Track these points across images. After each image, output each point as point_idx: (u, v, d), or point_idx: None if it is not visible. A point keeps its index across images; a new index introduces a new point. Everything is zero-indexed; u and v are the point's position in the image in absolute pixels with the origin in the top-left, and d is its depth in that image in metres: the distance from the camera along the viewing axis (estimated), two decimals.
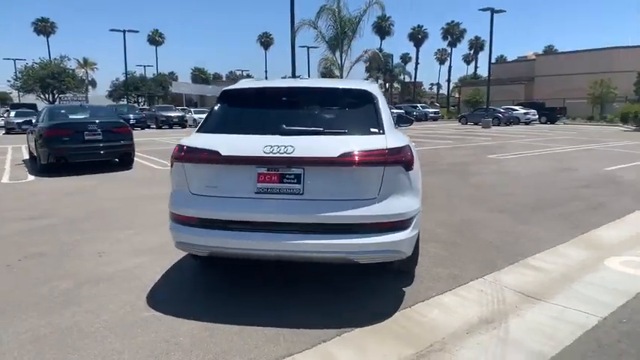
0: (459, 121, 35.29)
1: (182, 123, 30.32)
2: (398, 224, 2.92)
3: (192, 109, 35.08)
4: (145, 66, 63.72)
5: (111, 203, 6.52)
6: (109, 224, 5.34)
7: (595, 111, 35.85)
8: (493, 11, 26.13)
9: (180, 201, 3.12)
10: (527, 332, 2.81)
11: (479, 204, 6.48)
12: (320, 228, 2.85)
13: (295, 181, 2.88)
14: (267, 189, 2.91)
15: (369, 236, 2.85)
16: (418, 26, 73.12)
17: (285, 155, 2.85)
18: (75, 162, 9.42)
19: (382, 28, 64.95)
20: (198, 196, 3.04)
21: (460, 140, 18.72)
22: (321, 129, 3.02)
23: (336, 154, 2.83)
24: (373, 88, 3.45)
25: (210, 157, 2.96)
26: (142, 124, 28.16)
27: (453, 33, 74.52)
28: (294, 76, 20.25)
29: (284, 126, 3.01)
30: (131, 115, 26.82)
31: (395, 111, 29.76)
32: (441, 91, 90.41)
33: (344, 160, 2.83)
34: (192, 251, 3.18)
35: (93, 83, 68.61)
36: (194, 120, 32.10)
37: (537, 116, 32.84)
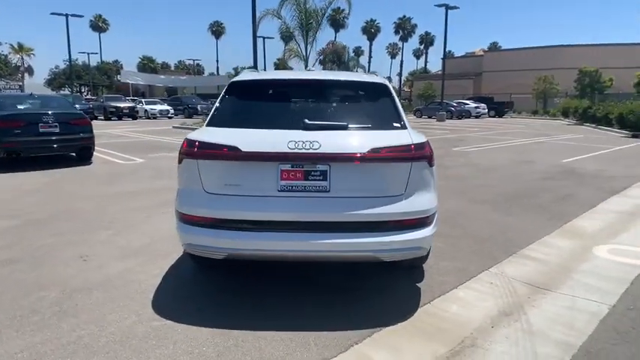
0: (414, 115, 36.19)
1: (133, 114, 28.84)
2: (422, 221, 2.88)
3: (143, 100, 33.47)
4: (88, 53, 59.88)
5: (80, 202, 6.02)
6: (83, 225, 4.92)
7: (539, 105, 38.05)
8: (447, 7, 26.94)
9: (192, 200, 2.90)
10: (548, 323, 2.87)
11: (458, 195, 6.63)
12: (348, 226, 2.75)
13: (321, 178, 2.76)
14: (292, 187, 2.76)
15: (397, 234, 2.79)
16: (371, 20, 74.12)
17: (311, 151, 2.72)
18: (27, 157, 8.65)
19: (337, 21, 65.01)
20: (213, 195, 2.83)
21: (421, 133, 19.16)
22: (345, 124, 2.91)
23: (364, 150, 2.74)
24: (386, 81, 3.37)
25: (229, 153, 2.76)
26: (89, 115, 26.39)
27: (404, 28, 76.18)
28: (255, 66, 19.81)
29: (306, 120, 2.86)
30: (77, 106, 24.90)
31: None
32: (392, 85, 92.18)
33: (373, 156, 2.74)
34: (206, 254, 2.96)
35: (30, 70, 63.48)
36: (145, 111, 30.69)
37: (487, 110, 34.39)
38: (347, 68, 66.31)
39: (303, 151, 2.72)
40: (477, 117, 33.55)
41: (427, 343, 2.66)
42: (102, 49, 67.33)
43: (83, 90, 59.85)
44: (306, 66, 16.01)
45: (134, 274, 3.58)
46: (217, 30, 79.08)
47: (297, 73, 3.58)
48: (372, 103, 3.19)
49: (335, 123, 2.90)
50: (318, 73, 3.51)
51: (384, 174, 2.81)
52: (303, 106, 3.17)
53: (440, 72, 65.27)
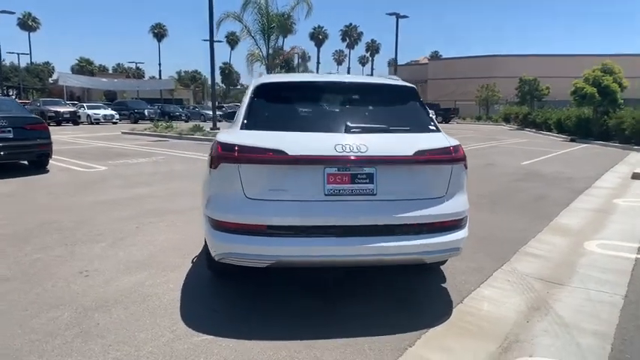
0: None
1: (75, 119, 27.08)
2: (460, 222, 2.95)
3: (84, 104, 31.50)
4: (18, 54, 55.45)
5: (56, 213, 5.53)
6: (69, 238, 4.53)
7: (482, 112, 40.30)
8: (398, 16, 27.88)
9: (232, 207, 2.75)
10: (575, 314, 3.03)
11: None
12: (396, 229, 2.75)
13: (368, 181, 2.73)
14: (339, 190, 2.71)
15: (440, 235, 2.83)
16: (319, 26, 75.08)
17: (359, 154, 2.69)
18: None
19: (284, 27, 65.30)
20: (256, 200, 2.72)
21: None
22: (386, 126, 2.91)
23: (410, 153, 2.76)
24: (413, 85, 3.42)
25: (275, 157, 2.67)
26: None
27: (351, 35, 77.98)
28: (212, 70, 19.30)
29: (349, 123, 2.83)
30: None
31: None
32: None
33: (419, 159, 2.77)
34: (248, 263, 2.81)
35: None
36: (88, 116, 28.93)
37: (435, 116, 35.82)
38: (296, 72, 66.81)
39: (351, 154, 2.69)
40: None
41: (475, 341, 2.71)
42: (32, 49, 62.52)
43: (11, 93, 55.24)
44: (267, 70, 15.86)
45: (148, 289, 3.35)
46: (159, 32, 76.35)
47: (324, 75, 3.53)
48: (404, 106, 3.22)
49: (377, 126, 2.90)
50: (347, 77, 3.49)
51: (427, 176, 2.85)
52: (339, 108, 3.14)
53: None
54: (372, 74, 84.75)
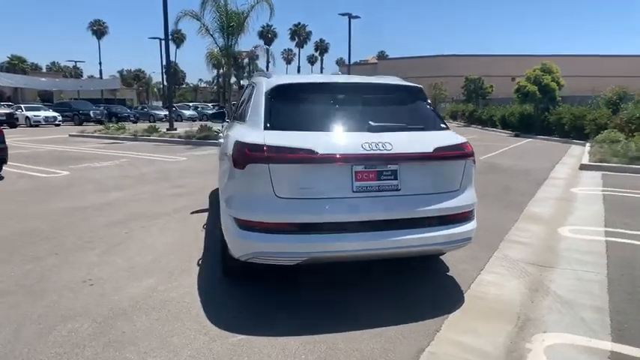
0: None
1: (12, 122, 25.16)
2: (472, 213, 3.17)
3: (22, 106, 29.31)
4: None
5: (32, 221, 5.20)
6: (57, 246, 4.30)
7: None
8: (350, 17, 28.38)
9: (261, 206, 2.79)
10: (571, 293, 3.35)
11: None
12: (419, 222, 2.91)
13: (392, 177, 2.88)
14: (366, 187, 2.83)
15: (456, 226, 3.03)
16: (267, 25, 74.35)
17: (384, 152, 2.82)
18: None
19: (243, 26, 64.17)
20: (287, 199, 2.77)
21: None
22: (405, 125, 3.07)
23: (430, 149, 2.93)
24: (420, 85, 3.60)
25: (306, 156, 2.74)
26: None
27: (300, 34, 78.10)
28: (168, 68, 18.71)
29: (371, 122, 2.96)
30: None
31: None
32: None
33: (438, 155, 2.95)
34: (279, 261, 2.86)
35: None
36: (27, 118, 27.00)
37: None
38: (249, 73, 65.75)
39: (377, 152, 2.82)
40: None
41: (492, 322, 2.93)
42: None
43: None
44: (228, 69, 15.63)
45: (163, 294, 3.29)
46: (99, 30, 72.34)
47: (334, 76, 3.61)
48: (414, 106, 3.38)
49: (397, 124, 3.05)
50: (358, 77, 3.59)
51: (444, 171, 3.03)
52: (356, 108, 3.25)
53: None
54: (321, 73, 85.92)
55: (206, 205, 6.05)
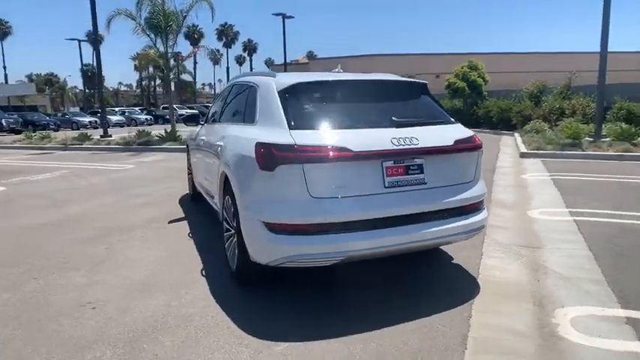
0: None
1: None
2: (482, 203, 3.33)
3: None
4: None
5: None
6: (31, 270, 3.83)
7: None
8: (284, 17, 28.32)
9: (296, 208, 2.72)
10: (567, 269, 3.64)
11: None
12: (445, 213, 3.01)
13: (419, 171, 2.94)
14: (397, 182, 2.87)
15: (474, 215, 3.17)
16: (193, 25, 71.61)
17: (412, 146, 2.87)
18: None
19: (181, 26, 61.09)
20: (322, 199, 2.72)
21: None
22: (424, 119, 3.14)
23: (451, 142, 3.04)
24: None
25: (340, 154, 2.71)
26: None
27: (227, 34, 76.33)
28: (99, 71, 17.39)
29: (394, 118, 2.99)
30: None
31: (188, 111, 28.66)
32: (214, 91, 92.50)
33: (458, 148, 3.06)
34: (317, 262, 2.79)
35: None
36: None
37: None
38: (178, 74, 63.06)
39: (406, 147, 2.86)
40: None
41: (512, 303, 3.10)
42: None
43: None
44: (168, 72, 14.81)
45: (181, 309, 3.07)
46: (1, 30, 65.46)
47: (346, 74, 3.57)
48: (424, 100, 3.46)
49: (418, 119, 3.12)
50: (369, 75, 3.58)
51: (462, 163, 3.16)
52: (374, 105, 3.26)
53: None
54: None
55: (179, 214, 5.73)
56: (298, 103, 3.07)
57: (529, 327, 2.78)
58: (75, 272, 3.78)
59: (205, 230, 4.96)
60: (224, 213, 3.65)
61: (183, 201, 6.47)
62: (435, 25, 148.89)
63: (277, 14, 28.02)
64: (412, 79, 3.59)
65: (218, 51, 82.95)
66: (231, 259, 3.48)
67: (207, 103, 59.28)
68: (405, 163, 2.90)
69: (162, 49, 14.32)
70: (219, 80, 79.89)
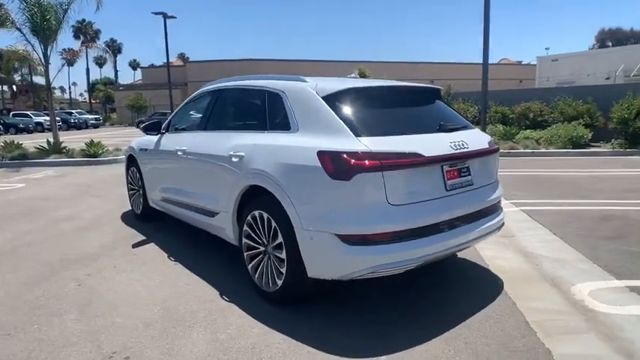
0: (138, 127, 33.94)
1: None
2: (501, 202, 3.64)
3: None
4: None
5: None
6: (4, 323, 3.00)
7: None
8: (166, 16, 26.47)
9: (376, 217, 2.65)
10: (551, 252, 4.20)
11: None
12: (487, 211, 3.23)
13: (467, 173, 3.10)
14: (455, 185, 2.99)
15: (498, 213, 3.46)
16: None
17: (465, 150, 3.03)
18: None
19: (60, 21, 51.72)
20: (399, 206, 2.69)
21: None
22: (459, 124, 3.31)
23: (486, 145, 3.27)
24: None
25: (414, 160, 2.73)
26: None
27: (86, 33, 68.37)
28: None
29: (442, 123, 3.11)
30: None
31: (46, 118, 25.32)
32: (70, 95, 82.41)
33: (491, 150, 3.32)
34: (395, 270, 2.71)
35: None
36: None
37: None
38: (23, 76, 54.02)
39: (460, 150, 3.01)
40: None
41: (535, 287, 3.47)
42: None
43: None
44: (46, 71, 12.53)
45: (238, 342, 2.74)
46: None
47: (381, 81, 3.48)
48: (445, 105, 3.63)
49: (458, 124, 3.28)
50: (402, 83, 3.56)
51: (490, 164, 3.41)
52: (415, 110, 3.30)
53: (140, 81, 62.69)
54: (116, 76, 77.33)
55: (137, 236, 5.02)
56: (352, 110, 2.98)
57: (564, 305, 3.15)
58: (60, 319, 3.07)
59: (188, 251, 4.45)
60: (248, 230, 3.34)
61: (129, 221, 5.67)
62: (324, 33, 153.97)
63: (157, 13, 26.10)
64: (434, 86, 3.73)
65: (72, 50, 73.88)
66: (265, 279, 3.21)
67: (61, 108, 51.87)
68: (458, 166, 3.04)
69: (38, 46, 12.25)
70: (74, 84, 70.97)
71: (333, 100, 3.01)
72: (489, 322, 2.91)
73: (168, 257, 4.29)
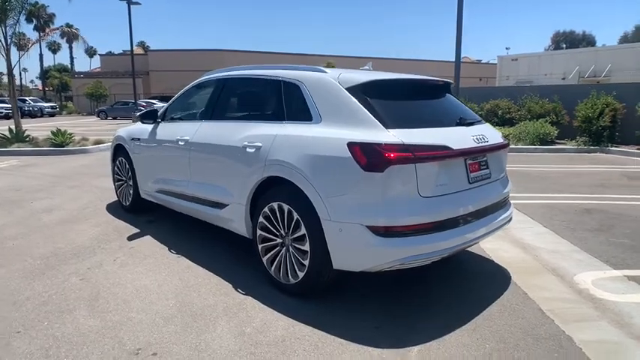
0: (98, 117, 32.55)
1: None
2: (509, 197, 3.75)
3: None
4: None
5: None
6: (8, 318, 2.79)
7: None
8: (130, 2, 25.29)
9: (408, 209, 2.67)
10: (547, 244, 4.38)
11: None
12: (502, 204, 3.33)
13: (485, 166, 3.18)
14: (476, 177, 3.06)
15: (509, 207, 3.57)
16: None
17: (485, 144, 3.11)
18: None
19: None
20: (429, 198, 2.73)
21: None
22: (475, 118, 3.38)
23: (501, 140, 3.37)
24: None
25: (444, 153, 2.78)
26: None
27: (39, 16, 64.26)
28: None
29: (462, 117, 3.16)
30: None
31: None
32: (21, 82, 77.64)
33: (505, 145, 3.42)
34: (423, 262, 2.75)
35: None
36: None
37: None
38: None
39: (482, 144, 3.08)
40: None
41: (540, 277, 3.62)
42: None
43: None
44: (8, 56, 11.59)
45: (267, 335, 2.70)
46: None
47: (403, 74, 3.44)
48: (456, 99, 3.66)
49: (475, 118, 3.34)
50: (412, 75, 3.54)
51: (502, 158, 3.50)
52: (437, 103, 3.33)
53: (98, 69, 59.77)
54: (72, 63, 73.41)
55: (129, 229, 4.81)
56: (378, 102, 2.97)
57: (572, 294, 3.31)
58: (71, 315, 2.91)
59: (188, 243, 4.32)
60: (264, 222, 3.28)
61: (116, 213, 5.42)
62: (294, 26, 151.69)
63: None
64: (446, 79, 3.77)
65: (24, 35, 69.36)
66: (284, 271, 3.17)
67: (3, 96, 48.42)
68: (479, 159, 3.11)
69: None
70: (25, 70, 66.80)
71: (357, 91, 2.99)
72: (507, 312, 3.01)
73: (169, 250, 4.14)
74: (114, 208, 5.63)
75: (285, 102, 3.37)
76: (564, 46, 55.66)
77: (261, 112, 3.71)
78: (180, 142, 4.18)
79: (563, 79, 30.99)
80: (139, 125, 5.22)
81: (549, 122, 12.88)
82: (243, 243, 4.01)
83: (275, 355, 2.48)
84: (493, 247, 4.32)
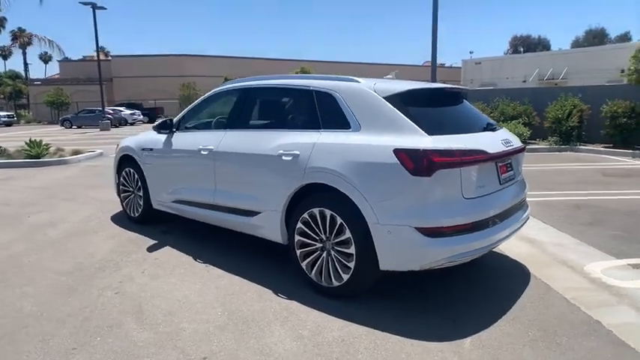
0: (62, 125, 31.30)
1: None
2: None
3: None
4: None
5: None
6: (51, 333, 2.74)
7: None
8: (95, 7, 24.48)
9: (454, 210, 2.87)
10: (550, 238, 4.70)
11: None
12: (523, 204, 3.59)
13: (511, 168, 3.42)
14: (506, 179, 3.30)
15: (527, 206, 3.82)
16: None
17: (511, 148, 3.35)
18: None
19: None
20: (471, 199, 2.94)
21: None
22: (495, 124, 3.61)
23: (521, 143, 3.62)
24: None
25: (483, 157, 3.01)
26: None
27: None
28: None
29: (488, 123, 3.39)
30: None
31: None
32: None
33: (524, 147, 3.67)
34: (465, 259, 2.94)
35: None
36: None
37: (142, 116, 34.15)
38: None
39: (509, 148, 3.33)
40: (132, 124, 32.84)
41: (553, 269, 3.90)
42: None
43: None
44: None
45: (325, 335, 2.80)
46: None
47: (431, 83, 3.63)
48: (472, 106, 3.89)
49: (495, 125, 3.58)
50: (445, 85, 3.75)
51: (520, 161, 3.76)
52: (464, 110, 3.54)
53: (57, 76, 57.30)
54: (26, 69, 70.07)
55: (146, 240, 4.75)
56: (416, 110, 3.14)
57: (586, 284, 3.59)
58: (121, 328, 2.90)
59: (211, 252, 4.33)
60: (302, 228, 3.37)
61: (124, 224, 5.33)
62: (271, 30, 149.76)
63: (86, 3, 24.02)
64: (464, 87, 3.99)
65: None
66: (326, 275, 3.27)
67: None
68: (506, 162, 3.35)
69: None
70: (26, 74, 63.23)
71: (395, 100, 3.15)
72: (537, 302, 3.25)
73: (195, 260, 4.15)
74: (120, 220, 5.54)
75: (320, 111, 3.48)
76: (522, 49, 58.27)
77: (294, 121, 3.81)
78: (203, 152, 4.20)
79: (524, 81, 32.48)
80: (147, 135, 5.18)
81: (522, 123, 13.55)
82: (264, 248, 4.10)
83: (340, 354, 2.59)
84: (504, 243, 4.58)
